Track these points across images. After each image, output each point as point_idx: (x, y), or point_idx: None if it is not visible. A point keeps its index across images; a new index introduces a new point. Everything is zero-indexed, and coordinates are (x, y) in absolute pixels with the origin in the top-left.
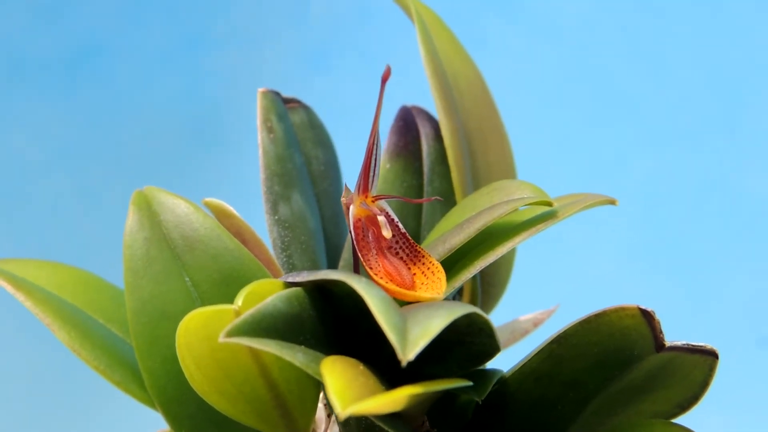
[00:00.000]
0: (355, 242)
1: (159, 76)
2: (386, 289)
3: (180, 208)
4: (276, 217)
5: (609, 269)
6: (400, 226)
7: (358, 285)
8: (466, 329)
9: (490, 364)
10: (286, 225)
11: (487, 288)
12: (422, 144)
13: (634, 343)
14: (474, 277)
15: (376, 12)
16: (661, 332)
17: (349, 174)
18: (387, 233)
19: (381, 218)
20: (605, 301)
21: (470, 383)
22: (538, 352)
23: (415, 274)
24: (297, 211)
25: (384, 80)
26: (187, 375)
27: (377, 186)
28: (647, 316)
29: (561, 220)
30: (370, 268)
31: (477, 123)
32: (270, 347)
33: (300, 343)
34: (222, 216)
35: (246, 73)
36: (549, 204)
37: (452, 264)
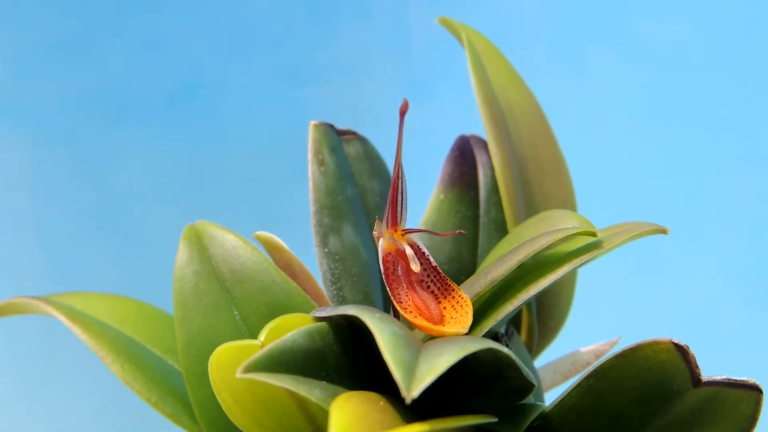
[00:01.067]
0: (384, 276)
1: (261, 109)
2: (414, 324)
3: (229, 242)
4: (326, 250)
5: (671, 297)
6: (431, 259)
7: (370, 320)
8: (496, 363)
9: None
10: (336, 257)
11: (546, 320)
12: (479, 173)
13: (672, 378)
14: (530, 309)
15: None
16: (697, 367)
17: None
18: (415, 267)
19: (409, 252)
20: (666, 332)
21: (494, 419)
22: (576, 386)
23: (445, 308)
24: (348, 244)
25: (402, 113)
26: (225, 408)
27: (431, 216)
28: (681, 350)
29: (606, 251)
30: (400, 302)
31: (533, 151)
32: (286, 383)
33: (321, 378)
34: (272, 249)
35: (347, 105)
36: (593, 234)
37: (497, 297)
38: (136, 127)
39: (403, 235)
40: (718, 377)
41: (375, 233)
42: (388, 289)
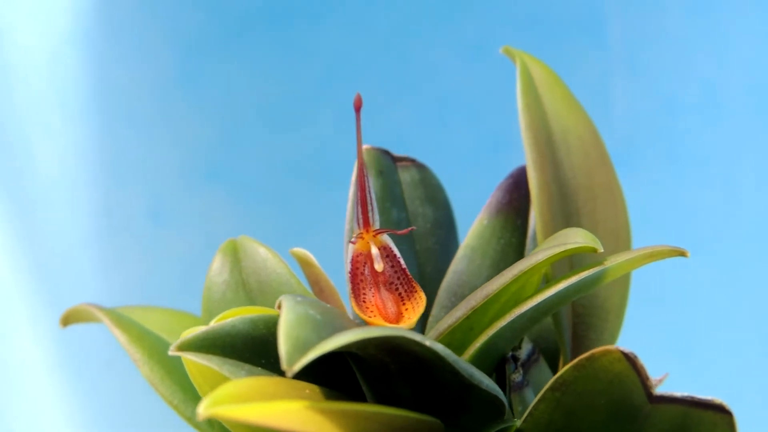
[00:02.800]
0: (350, 275)
1: (460, 175)
2: (370, 323)
3: (260, 255)
4: None
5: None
6: (401, 261)
7: (287, 302)
8: (441, 364)
9: None
10: None
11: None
12: (531, 202)
13: (632, 393)
14: (563, 340)
15: (681, 111)
16: (647, 378)
17: None
18: (378, 266)
19: (374, 251)
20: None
21: (438, 421)
22: (542, 399)
23: (407, 309)
24: None
25: (357, 108)
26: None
27: (471, 241)
28: (630, 360)
29: (617, 271)
30: (363, 302)
31: (586, 180)
32: (212, 362)
33: (258, 365)
34: (304, 265)
35: None
36: (594, 250)
37: (498, 311)
38: (342, 193)
39: (374, 236)
40: (678, 393)
41: (352, 239)
42: (350, 287)
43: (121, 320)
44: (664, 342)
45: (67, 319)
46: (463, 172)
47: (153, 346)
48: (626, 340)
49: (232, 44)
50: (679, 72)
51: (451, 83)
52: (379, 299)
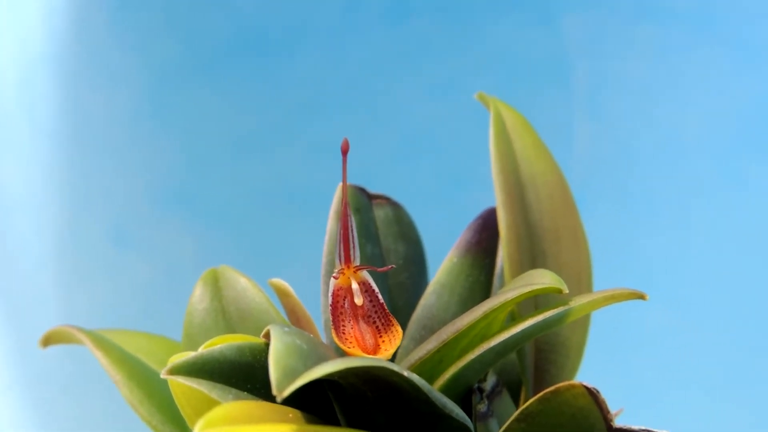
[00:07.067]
0: (331, 307)
1: (425, 211)
2: (348, 353)
3: (240, 284)
4: None
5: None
6: (379, 296)
7: (275, 332)
8: (416, 394)
9: None
10: None
11: (546, 387)
12: (500, 242)
13: (593, 426)
14: (525, 375)
15: (639, 155)
16: (608, 412)
17: None
18: (358, 300)
19: (354, 286)
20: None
21: None
22: (507, 429)
23: (384, 341)
24: None
25: (344, 152)
26: (189, 423)
27: (441, 277)
28: (592, 394)
29: (571, 308)
30: (342, 333)
31: (552, 223)
32: (201, 386)
33: (244, 389)
34: (281, 294)
35: None
36: (560, 291)
37: (467, 345)
38: (305, 223)
39: (355, 271)
40: (634, 426)
41: (334, 273)
42: (331, 320)
43: (102, 342)
44: (619, 378)
45: (48, 340)
46: (430, 209)
47: (133, 369)
48: (584, 376)
49: (204, 73)
50: (638, 117)
51: (417, 121)
52: (358, 331)
